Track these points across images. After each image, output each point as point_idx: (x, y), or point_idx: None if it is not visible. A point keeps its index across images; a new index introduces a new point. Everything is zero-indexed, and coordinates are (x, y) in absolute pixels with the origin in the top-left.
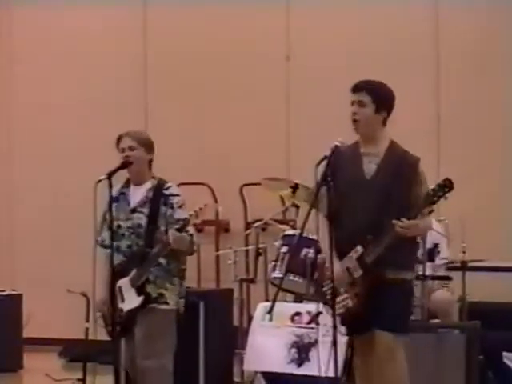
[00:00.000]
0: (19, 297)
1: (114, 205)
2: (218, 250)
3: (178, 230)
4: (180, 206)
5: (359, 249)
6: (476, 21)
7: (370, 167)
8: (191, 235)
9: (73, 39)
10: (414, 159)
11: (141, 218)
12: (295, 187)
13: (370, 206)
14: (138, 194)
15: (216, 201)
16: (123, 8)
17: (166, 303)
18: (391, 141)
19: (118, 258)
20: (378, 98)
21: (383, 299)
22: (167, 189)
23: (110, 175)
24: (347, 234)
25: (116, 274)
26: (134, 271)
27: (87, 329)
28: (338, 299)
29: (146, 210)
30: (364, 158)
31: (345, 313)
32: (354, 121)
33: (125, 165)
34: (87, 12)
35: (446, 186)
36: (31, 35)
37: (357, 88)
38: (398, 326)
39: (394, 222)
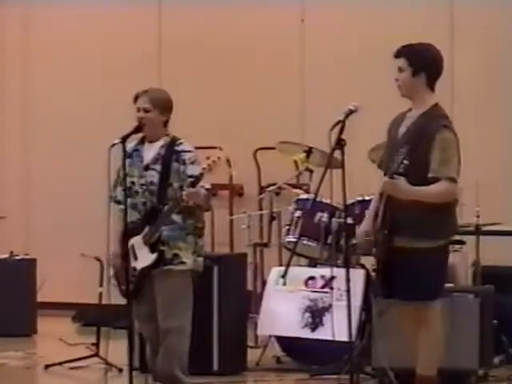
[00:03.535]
0: (33, 261)
1: (127, 161)
2: (231, 214)
3: (192, 185)
4: (192, 162)
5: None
6: (489, 12)
7: (403, 130)
8: (208, 189)
9: (86, 19)
10: (436, 125)
11: (153, 176)
12: (309, 151)
13: (394, 166)
14: (150, 152)
15: (230, 165)
16: None
17: (183, 263)
18: (434, 104)
19: (134, 216)
20: (413, 60)
21: (396, 267)
22: (179, 145)
23: (123, 139)
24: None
25: (129, 232)
26: (146, 229)
27: (101, 293)
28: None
29: (158, 167)
30: (404, 121)
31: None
32: (398, 87)
33: (138, 129)
34: None
35: None
36: (46, 21)
37: (396, 54)
38: (409, 296)
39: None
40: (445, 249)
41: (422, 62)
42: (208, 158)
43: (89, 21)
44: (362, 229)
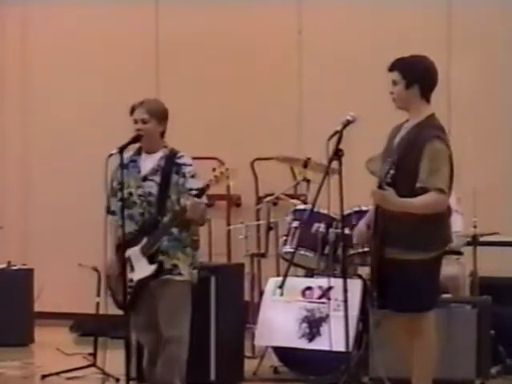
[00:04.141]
0: (31, 271)
1: (123, 172)
2: (229, 224)
3: (197, 196)
4: (192, 176)
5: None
6: (488, 16)
7: (397, 140)
8: (206, 204)
9: (85, 19)
10: (427, 135)
11: (152, 187)
12: (307, 163)
13: (382, 176)
14: (149, 162)
15: (228, 176)
16: None
17: (180, 274)
18: (429, 115)
19: (131, 227)
20: (406, 73)
21: (389, 279)
22: (179, 158)
23: (121, 149)
24: None
25: (126, 242)
26: (144, 240)
27: (98, 303)
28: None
29: (157, 179)
30: (400, 132)
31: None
32: (393, 100)
33: (136, 139)
34: None
35: None
36: (45, 21)
37: (390, 67)
38: (401, 307)
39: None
40: (437, 260)
41: (415, 74)
42: (214, 169)
43: (88, 21)
44: (358, 226)
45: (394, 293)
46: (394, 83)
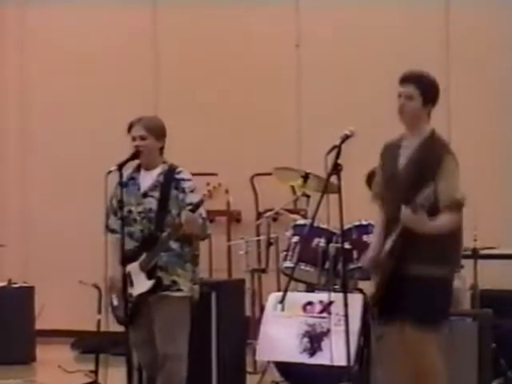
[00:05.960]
0: (31, 289)
1: (123, 190)
2: (229, 240)
3: (191, 211)
4: (192, 191)
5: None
6: (487, 15)
7: (403, 159)
8: (204, 218)
9: (83, 31)
10: (440, 153)
11: (151, 203)
12: (306, 177)
13: (398, 197)
14: (148, 179)
15: (227, 191)
16: None
17: (180, 290)
18: (431, 133)
19: (131, 244)
20: (425, 90)
21: (407, 294)
22: (178, 173)
23: (120, 166)
24: (386, 223)
25: (127, 259)
26: (143, 255)
27: (99, 320)
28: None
29: (156, 195)
30: (402, 150)
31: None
32: (401, 113)
33: (135, 155)
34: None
35: None
36: (43, 32)
37: (404, 80)
38: (422, 322)
39: (403, 208)
40: (451, 276)
41: (432, 93)
42: (208, 184)
43: (88, 23)
44: (367, 254)
45: (407, 306)
46: (408, 97)
